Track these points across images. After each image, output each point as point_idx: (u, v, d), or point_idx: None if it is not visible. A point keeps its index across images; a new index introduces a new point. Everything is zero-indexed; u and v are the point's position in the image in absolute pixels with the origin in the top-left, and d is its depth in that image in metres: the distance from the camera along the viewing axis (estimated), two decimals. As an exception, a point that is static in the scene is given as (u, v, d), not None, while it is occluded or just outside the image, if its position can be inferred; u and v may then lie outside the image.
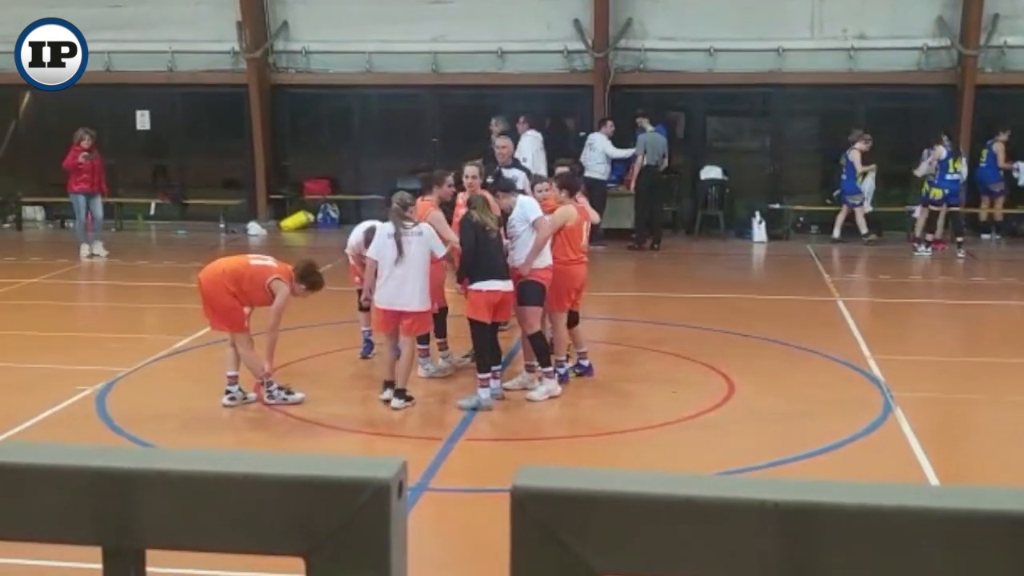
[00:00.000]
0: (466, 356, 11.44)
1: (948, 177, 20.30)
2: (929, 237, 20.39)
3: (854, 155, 20.88)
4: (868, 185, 21.17)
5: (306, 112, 24.61)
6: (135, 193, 24.55)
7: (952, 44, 21.61)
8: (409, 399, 10.27)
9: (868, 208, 21.18)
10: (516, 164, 14.00)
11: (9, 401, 10.49)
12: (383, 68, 23.06)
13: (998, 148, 21.39)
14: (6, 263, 18.82)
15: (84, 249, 19.48)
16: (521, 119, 19.62)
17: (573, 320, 11.23)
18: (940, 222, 20.78)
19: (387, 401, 10.26)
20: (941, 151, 20.19)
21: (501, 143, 13.83)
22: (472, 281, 10.21)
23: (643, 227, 20.98)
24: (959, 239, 20.46)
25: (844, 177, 21.11)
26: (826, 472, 8.54)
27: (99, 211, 19.76)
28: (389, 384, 10.34)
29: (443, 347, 11.63)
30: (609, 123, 21.02)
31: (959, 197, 20.56)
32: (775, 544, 1.00)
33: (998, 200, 21.80)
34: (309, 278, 10.34)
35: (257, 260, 10.49)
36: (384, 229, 10.31)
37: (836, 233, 21.30)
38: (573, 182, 11.26)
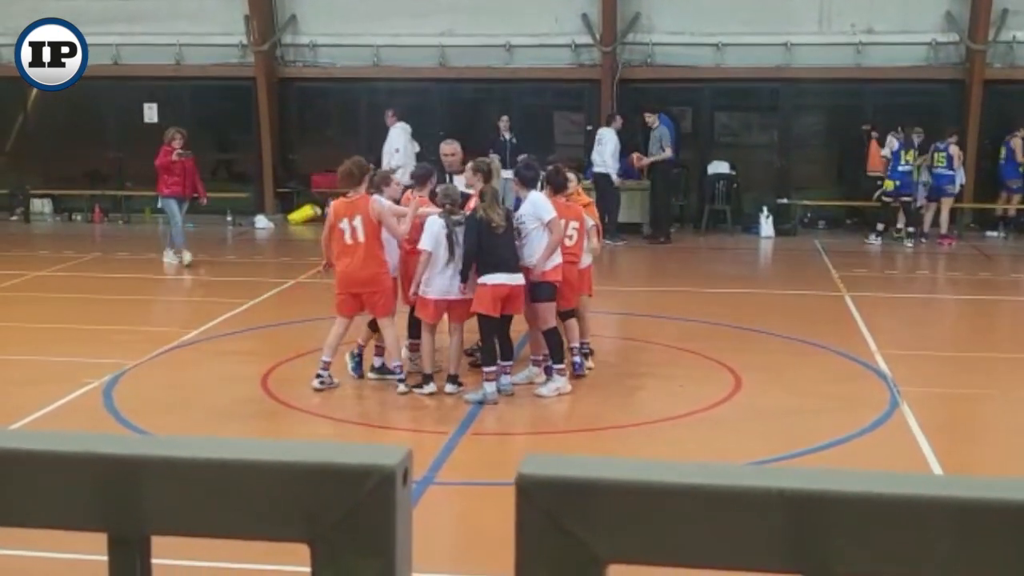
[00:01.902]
0: (471, 351, 11.43)
1: (900, 169, 20.64)
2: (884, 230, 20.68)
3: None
4: (923, 178, 21.06)
5: (313, 105, 24.64)
6: (143, 186, 24.53)
7: (961, 39, 21.58)
8: (460, 384, 10.47)
9: (922, 202, 21.08)
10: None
11: (16, 393, 10.51)
12: (391, 62, 23.08)
13: (1016, 144, 21.33)
14: (14, 255, 18.86)
15: (168, 255, 18.09)
16: (390, 112, 20.50)
17: (568, 315, 11.16)
18: (946, 217, 20.79)
19: (430, 394, 10.39)
20: (893, 142, 20.36)
21: (448, 150, 12.43)
22: (479, 275, 10.19)
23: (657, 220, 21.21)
24: (910, 229, 20.83)
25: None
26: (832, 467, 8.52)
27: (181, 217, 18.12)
28: (429, 378, 10.48)
29: (414, 348, 11.19)
30: (619, 118, 21.02)
31: (913, 189, 20.78)
32: (781, 532, 1.00)
33: (1015, 196, 21.76)
34: (365, 165, 10.60)
35: (354, 228, 10.39)
36: (437, 222, 10.29)
37: (925, 227, 21.17)
38: (555, 179, 11.07)
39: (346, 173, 10.47)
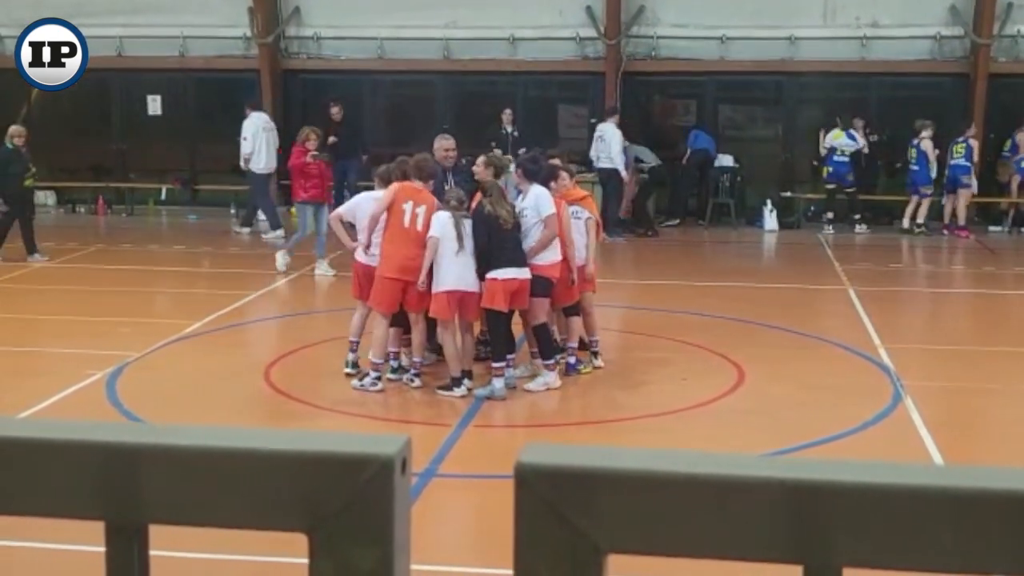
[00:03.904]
0: (478, 344, 11.40)
1: (835, 158, 21.20)
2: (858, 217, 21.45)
3: (926, 144, 20.73)
4: (933, 174, 21.06)
5: (317, 98, 24.59)
6: (146, 178, 24.59)
7: (965, 33, 21.52)
8: (471, 378, 10.38)
9: (946, 197, 21.18)
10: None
11: (18, 385, 10.52)
12: (395, 54, 23.03)
13: (1021, 139, 21.24)
14: (17, 247, 18.83)
15: (321, 266, 16.31)
16: (247, 105, 21.16)
17: (571, 311, 11.13)
18: (963, 209, 20.73)
19: (463, 396, 10.23)
20: (840, 133, 21.16)
21: (448, 145, 11.92)
22: (489, 270, 10.15)
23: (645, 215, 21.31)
24: (856, 216, 21.50)
25: (916, 168, 20.95)
26: (835, 460, 8.52)
27: (324, 224, 15.74)
28: (468, 373, 10.34)
29: (405, 343, 10.94)
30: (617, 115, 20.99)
31: (848, 179, 21.26)
32: (782, 522, 0.99)
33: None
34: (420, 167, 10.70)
35: (416, 214, 10.43)
36: (444, 213, 10.22)
37: (905, 223, 21.11)
38: (529, 167, 10.90)
39: (420, 167, 10.66)
